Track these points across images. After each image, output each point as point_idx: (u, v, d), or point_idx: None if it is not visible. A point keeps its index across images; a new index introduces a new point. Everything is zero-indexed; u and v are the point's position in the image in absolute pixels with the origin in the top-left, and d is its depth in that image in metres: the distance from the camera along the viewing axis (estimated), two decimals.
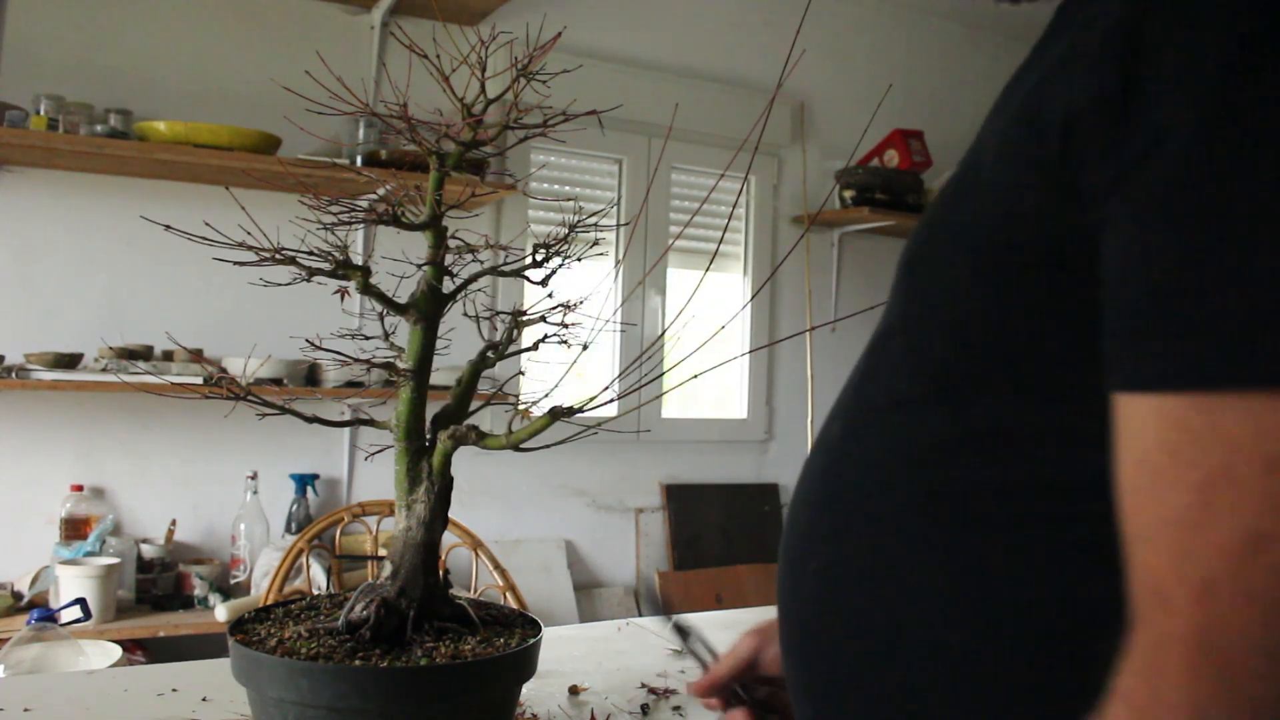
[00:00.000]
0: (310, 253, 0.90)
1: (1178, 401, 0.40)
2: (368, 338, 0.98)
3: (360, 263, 0.93)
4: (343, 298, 0.94)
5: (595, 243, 1.00)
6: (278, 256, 0.89)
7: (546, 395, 1.05)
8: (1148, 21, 0.44)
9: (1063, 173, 0.48)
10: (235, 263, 0.89)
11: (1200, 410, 0.39)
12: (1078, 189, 0.47)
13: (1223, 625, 0.37)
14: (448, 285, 0.97)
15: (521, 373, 1.04)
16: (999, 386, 0.53)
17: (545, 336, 1.02)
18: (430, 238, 0.94)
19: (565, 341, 0.99)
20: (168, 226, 0.90)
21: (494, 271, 1.00)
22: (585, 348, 1.01)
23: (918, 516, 0.56)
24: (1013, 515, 0.53)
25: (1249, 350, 0.38)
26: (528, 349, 1.03)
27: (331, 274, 0.91)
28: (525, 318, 1.01)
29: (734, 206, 3.43)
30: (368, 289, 0.92)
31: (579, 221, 1.00)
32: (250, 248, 0.89)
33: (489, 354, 1.01)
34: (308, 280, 0.90)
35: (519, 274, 1.02)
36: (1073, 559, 0.51)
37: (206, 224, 0.91)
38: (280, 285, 0.93)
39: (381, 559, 0.96)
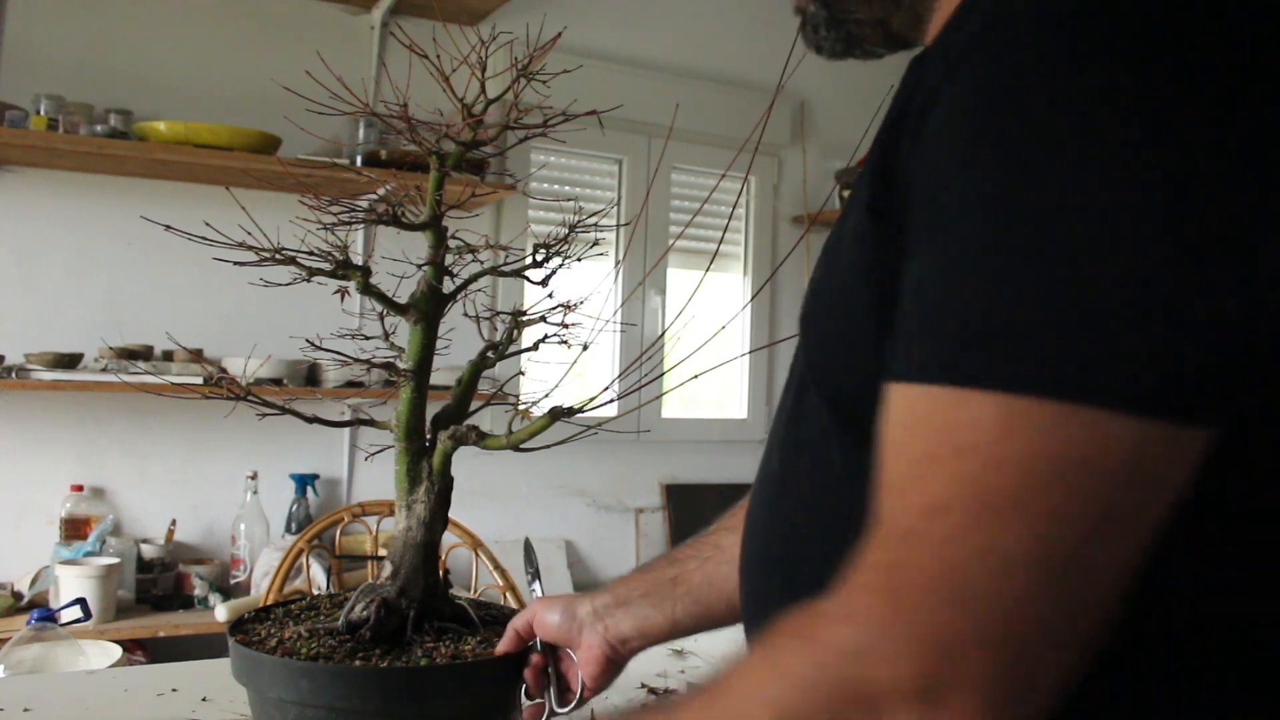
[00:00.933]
0: (310, 253, 0.90)
1: (909, 390, 0.49)
2: (368, 337, 0.98)
3: (360, 263, 0.93)
4: (343, 298, 0.94)
5: (595, 243, 1.00)
6: (278, 256, 0.89)
7: (547, 395, 1.05)
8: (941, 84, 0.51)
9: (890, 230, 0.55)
10: (236, 263, 0.89)
11: (920, 400, 0.48)
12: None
13: (909, 564, 0.46)
14: (447, 285, 0.97)
15: (521, 373, 1.04)
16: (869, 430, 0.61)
17: (545, 337, 1.02)
18: (430, 237, 0.94)
19: (565, 341, 0.99)
20: (168, 227, 0.90)
21: (494, 272, 1.00)
22: (585, 348, 1.01)
23: (851, 530, 0.61)
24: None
25: (953, 355, 0.47)
26: (528, 349, 1.03)
27: (331, 274, 0.91)
28: (525, 318, 1.01)
29: (734, 206, 3.43)
30: (368, 289, 0.92)
31: (579, 222, 1.00)
32: (250, 248, 0.89)
33: (489, 354, 1.01)
34: (308, 280, 0.90)
35: (519, 274, 1.02)
36: None
37: (207, 224, 0.91)
38: (280, 285, 0.93)
39: (381, 559, 0.96)
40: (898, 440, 0.49)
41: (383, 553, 0.98)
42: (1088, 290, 0.44)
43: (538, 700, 0.96)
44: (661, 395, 3.23)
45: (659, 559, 0.99)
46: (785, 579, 0.68)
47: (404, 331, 0.98)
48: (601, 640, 0.93)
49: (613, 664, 0.94)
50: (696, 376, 1.01)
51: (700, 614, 0.94)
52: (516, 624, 0.95)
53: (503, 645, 0.94)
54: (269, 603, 1.70)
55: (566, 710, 0.96)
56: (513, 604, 1.77)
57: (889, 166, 0.56)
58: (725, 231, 3.45)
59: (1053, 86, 0.47)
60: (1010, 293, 0.45)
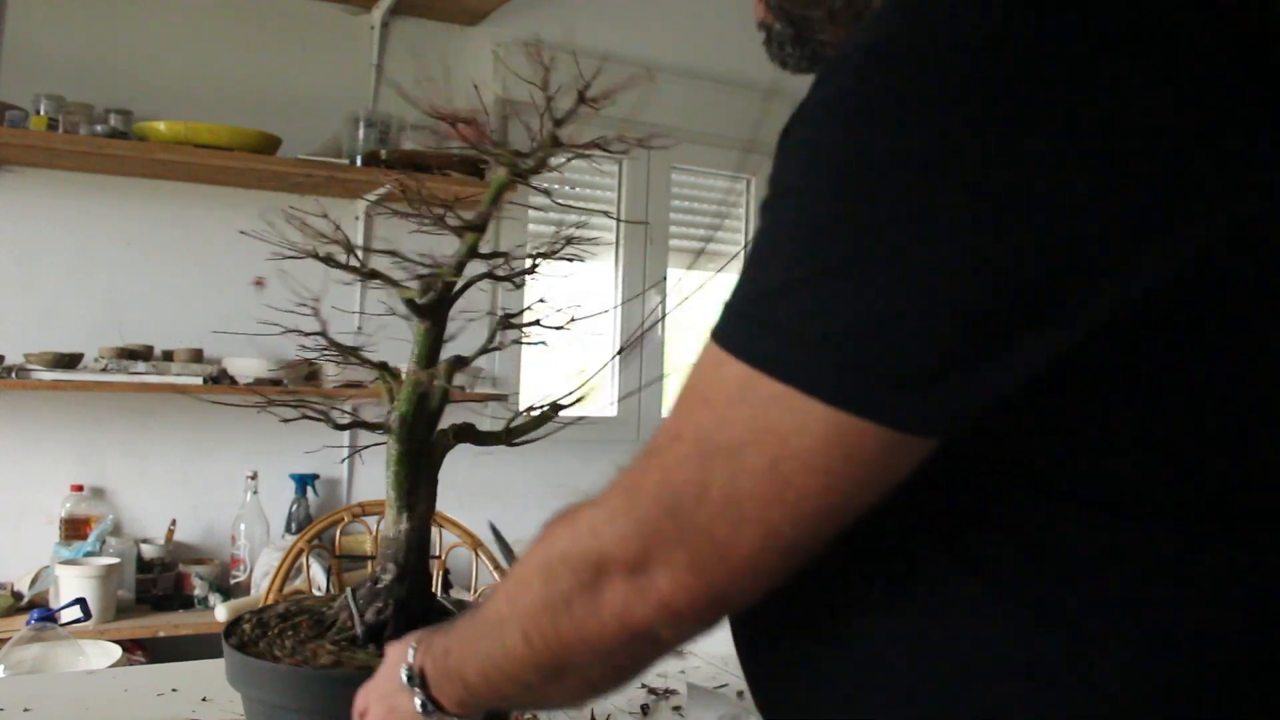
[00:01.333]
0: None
1: (709, 348, 0.57)
2: (369, 335, 0.98)
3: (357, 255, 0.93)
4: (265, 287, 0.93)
5: (581, 259, 1.02)
6: (362, 267, 0.89)
7: (537, 407, 1.05)
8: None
9: None
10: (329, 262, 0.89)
11: (704, 351, 0.58)
12: None
13: (647, 472, 0.57)
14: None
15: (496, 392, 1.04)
16: None
17: (519, 339, 1.00)
18: (470, 240, 0.94)
19: (544, 342, 0.99)
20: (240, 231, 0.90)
21: (491, 276, 0.99)
22: (547, 339, 1.01)
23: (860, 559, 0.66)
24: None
25: (724, 321, 0.57)
26: (493, 348, 1.02)
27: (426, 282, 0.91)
28: (512, 320, 1.00)
29: (731, 202, 3.43)
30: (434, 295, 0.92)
31: (572, 233, 0.99)
32: (318, 257, 0.88)
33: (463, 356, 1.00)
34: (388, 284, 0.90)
35: (512, 279, 1.01)
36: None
37: (269, 223, 0.91)
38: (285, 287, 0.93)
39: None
40: (685, 377, 0.59)
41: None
42: (819, 293, 0.52)
43: None
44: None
45: None
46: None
47: (396, 329, 0.98)
48: None
49: None
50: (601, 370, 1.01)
51: None
52: None
53: None
54: (269, 603, 1.70)
55: None
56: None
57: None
58: (717, 230, 3.45)
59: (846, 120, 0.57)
60: (773, 282, 0.55)
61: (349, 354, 0.95)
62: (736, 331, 0.56)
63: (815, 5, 0.75)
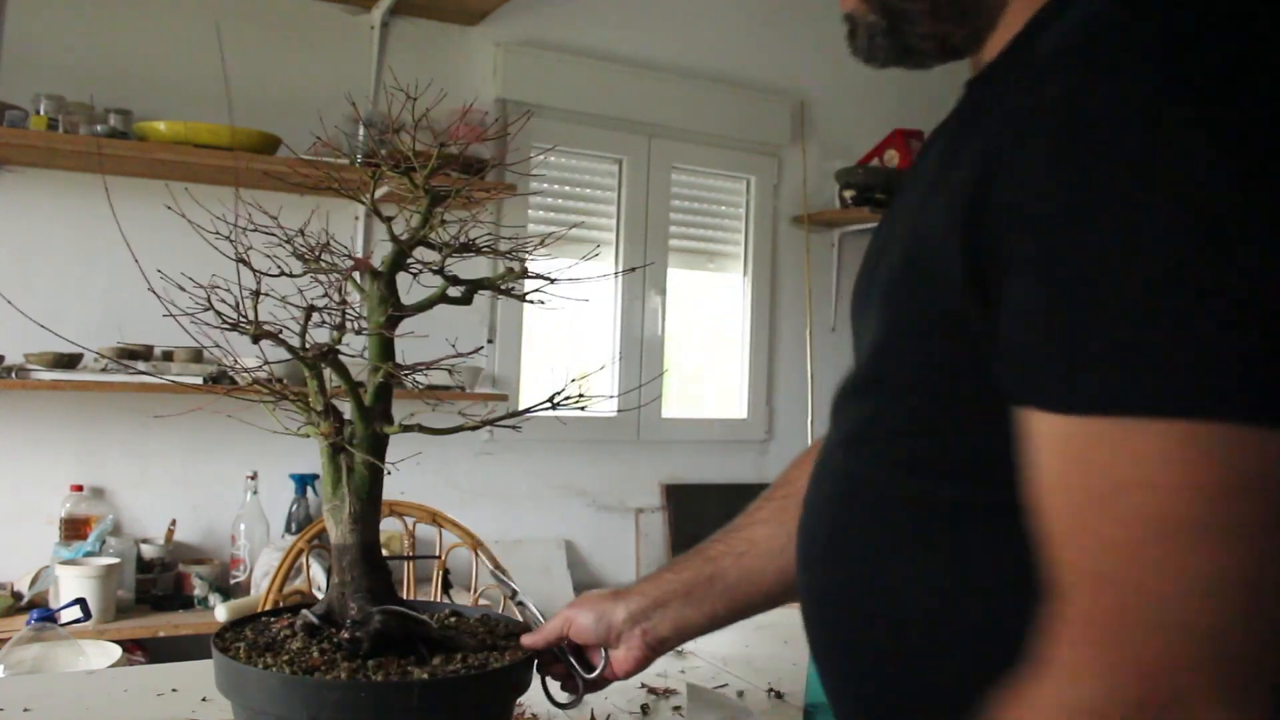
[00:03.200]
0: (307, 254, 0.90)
1: (1060, 423, 0.51)
2: (359, 332, 0.96)
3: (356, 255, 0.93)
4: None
5: (551, 280, 0.98)
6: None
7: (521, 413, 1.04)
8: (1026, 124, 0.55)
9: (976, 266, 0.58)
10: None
11: (1080, 432, 0.50)
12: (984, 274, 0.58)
13: (1112, 607, 0.48)
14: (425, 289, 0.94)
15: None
16: (963, 424, 0.65)
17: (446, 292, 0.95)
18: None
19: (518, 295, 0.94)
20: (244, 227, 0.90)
21: (451, 282, 0.95)
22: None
23: (919, 525, 0.68)
24: (970, 531, 0.65)
25: (1111, 386, 0.49)
26: (428, 305, 0.96)
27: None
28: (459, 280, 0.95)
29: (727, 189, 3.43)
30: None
31: (531, 250, 0.95)
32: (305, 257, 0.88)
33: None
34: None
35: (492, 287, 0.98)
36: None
37: (288, 229, 0.91)
38: (279, 284, 0.92)
39: (408, 558, 0.95)
40: (1062, 476, 0.51)
41: (386, 552, 0.96)
42: (1231, 314, 0.47)
43: (566, 678, 1.00)
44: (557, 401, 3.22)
45: (691, 557, 1.01)
46: (852, 580, 0.73)
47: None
48: (641, 643, 0.97)
49: (648, 661, 0.98)
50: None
51: (738, 609, 0.98)
52: (549, 631, 0.97)
53: (534, 639, 0.96)
54: (269, 603, 1.70)
55: (588, 689, 1.00)
56: (512, 605, 1.77)
57: (966, 192, 0.58)
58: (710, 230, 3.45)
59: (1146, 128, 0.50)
60: (1163, 321, 0.48)
61: (268, 337, 0.92)
62: (1137, 391, 0.48)
63: None
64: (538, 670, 0.99)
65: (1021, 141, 0.55)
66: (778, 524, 0.96)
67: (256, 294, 0.91)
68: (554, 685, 1.01)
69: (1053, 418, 0.51)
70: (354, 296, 0.93)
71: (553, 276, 0.96)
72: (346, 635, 0.87)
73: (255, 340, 0.90)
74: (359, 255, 0.92)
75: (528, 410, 0.97)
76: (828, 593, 0.75)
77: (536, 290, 0.95)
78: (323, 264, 0.91)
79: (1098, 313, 0.49)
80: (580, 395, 0.95)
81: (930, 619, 0.66)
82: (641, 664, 0.98)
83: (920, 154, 0.79)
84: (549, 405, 0.98)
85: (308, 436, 0.93)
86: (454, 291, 0.94)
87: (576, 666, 0.99)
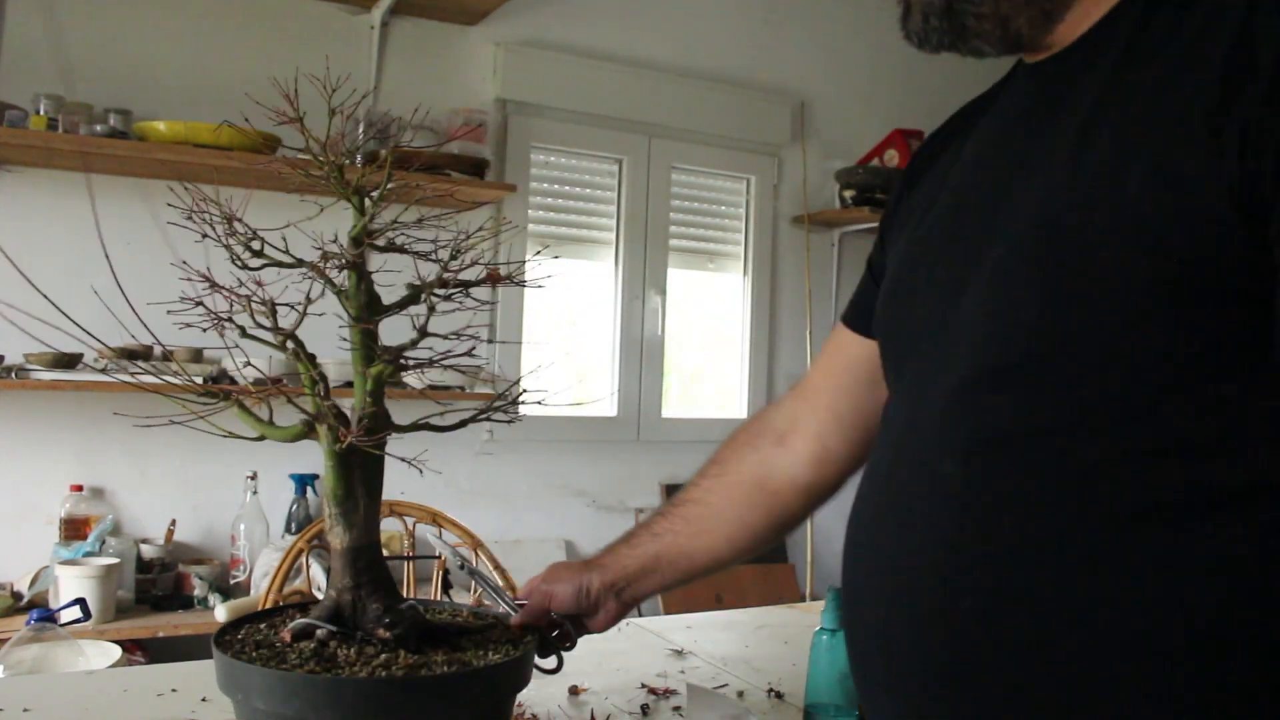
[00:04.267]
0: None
1: None
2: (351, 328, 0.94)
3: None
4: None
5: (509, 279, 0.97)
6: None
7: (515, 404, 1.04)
8: None
9: (1250, 194, 0.54)
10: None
11: None
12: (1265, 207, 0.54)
13: None
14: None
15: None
16: (1172, 404, 0.58)
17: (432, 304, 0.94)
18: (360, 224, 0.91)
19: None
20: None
21: (422, 290, 0.94)
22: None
23: (1093, 538, 0.61)
24: (1197, 526, 0.58)
25: None
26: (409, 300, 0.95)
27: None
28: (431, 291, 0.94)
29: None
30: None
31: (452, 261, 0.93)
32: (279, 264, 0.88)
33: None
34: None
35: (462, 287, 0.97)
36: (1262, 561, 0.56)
37: (195, 216, 0.91)
38: (274, 284, 0.92)
39: (409, 558, 0.95)
40: None
41: (386, 552, 0.96)
42: None
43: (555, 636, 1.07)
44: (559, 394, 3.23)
45: (640, 533, 1.10)
46: (988, 608, 0.65)
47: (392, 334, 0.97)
48: (616, 604, 1.07)
49: (621, 618, 1.09)
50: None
51: (678, 580, 1.09)
52: (535, 609, 1.04)
53: (524, 618, 1.02)
54: (268, 603, 1.70)
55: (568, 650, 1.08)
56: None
57: (1234, 127, 0.54)
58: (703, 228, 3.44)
59: None
60: None
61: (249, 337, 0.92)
62: None
63: None
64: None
65: None
66: (705, 505, 1.08)
67: (249, 298, 0.90)
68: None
69: None
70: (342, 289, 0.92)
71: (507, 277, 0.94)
72: (387, 633, 0.87)
73: (243, 335, 0.89)
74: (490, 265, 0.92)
75: (521, 398, 0.97)
76: (965, 630, 0.66)
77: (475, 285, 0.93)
78: (317, 265, 0.91)
79: None
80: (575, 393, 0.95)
81: (1156, 634, 0.58)
82: (616, 621, 1.08)
83: (981, 160, 0.75)
84: (540, 397, 0.97)
85: (313, 439, 0.92)
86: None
87: (562, 631, 1.06)
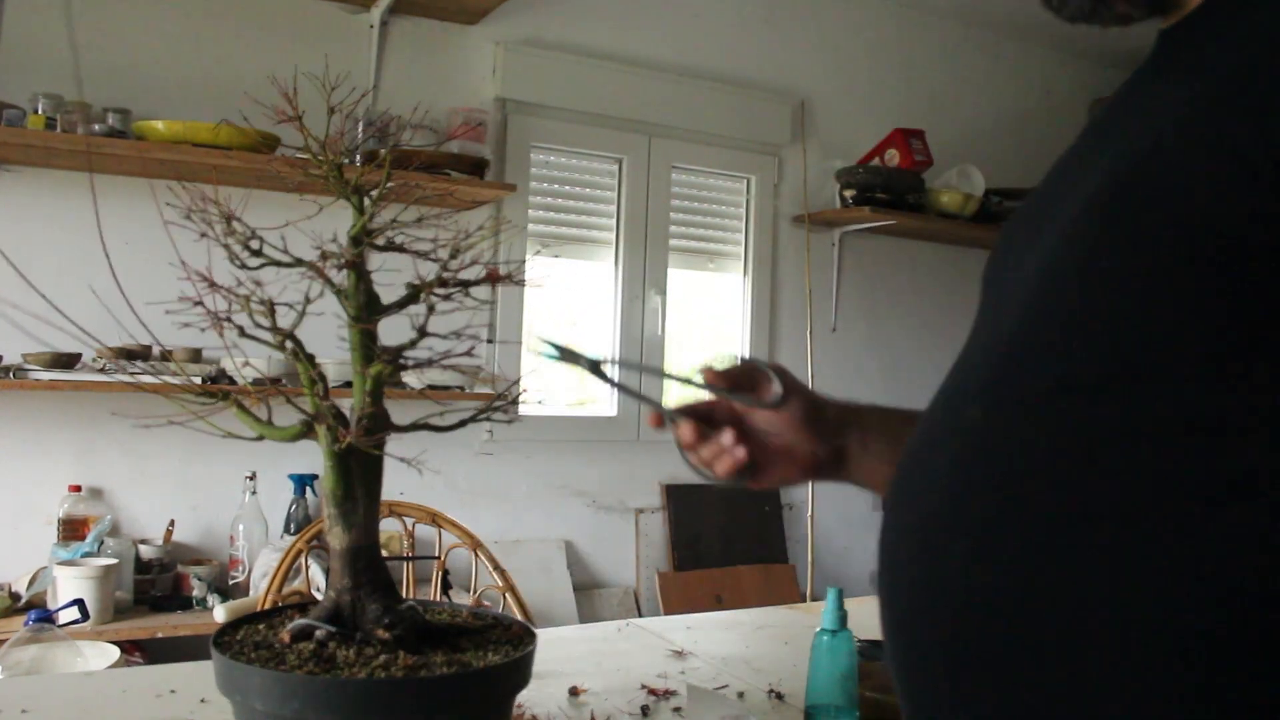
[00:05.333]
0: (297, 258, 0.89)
1: None
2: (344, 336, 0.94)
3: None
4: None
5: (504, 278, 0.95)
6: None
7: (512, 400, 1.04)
8: None
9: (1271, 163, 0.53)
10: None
11: None
12: None
13: None
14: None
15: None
16: (1190, 374, 0.56)
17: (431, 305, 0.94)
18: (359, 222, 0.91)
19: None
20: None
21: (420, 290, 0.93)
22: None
23: (1101, 505, 0.58)
24: (1205, 503, 0.55)
25: None
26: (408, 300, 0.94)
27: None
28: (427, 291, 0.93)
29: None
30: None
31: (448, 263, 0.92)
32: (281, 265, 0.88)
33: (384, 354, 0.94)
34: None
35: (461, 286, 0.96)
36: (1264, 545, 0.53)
37: (193, 217, 0.91)
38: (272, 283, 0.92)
39: (400, 559, 0.95)
40: None
41: (385, 553, 0.96)
42: None
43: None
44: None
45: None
46: (978, 541, 0.64)
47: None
48: (831, 448, 0.96)
49: (803, 477, 0.97)
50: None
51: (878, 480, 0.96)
52: (741, 372, 0.95)
53: (716, 378, 0.94)
54: (267, 604, 1.70)
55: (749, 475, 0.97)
56: (513, 605, 1.77)
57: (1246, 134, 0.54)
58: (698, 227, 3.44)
59: None
60: None
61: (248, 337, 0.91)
62: None
63: None
64: (681, 437, 0.96)
65: None
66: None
67: (248, 298, 0.90)
68: (693, 453, 0.98)
69: None
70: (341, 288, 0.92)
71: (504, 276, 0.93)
72: (386, 634, 0.87)
73: (242, 335, 0.89)
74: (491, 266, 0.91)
75: (519, 394, 0.96)
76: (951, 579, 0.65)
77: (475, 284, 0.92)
78: (316, 264, 0.91)
79: None
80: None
81: (1107, 628, 0.56)
82: (807, 472, 0.95)
83: (1098, 122, 0.72)
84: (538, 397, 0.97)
85: (314, 440, 0.92)
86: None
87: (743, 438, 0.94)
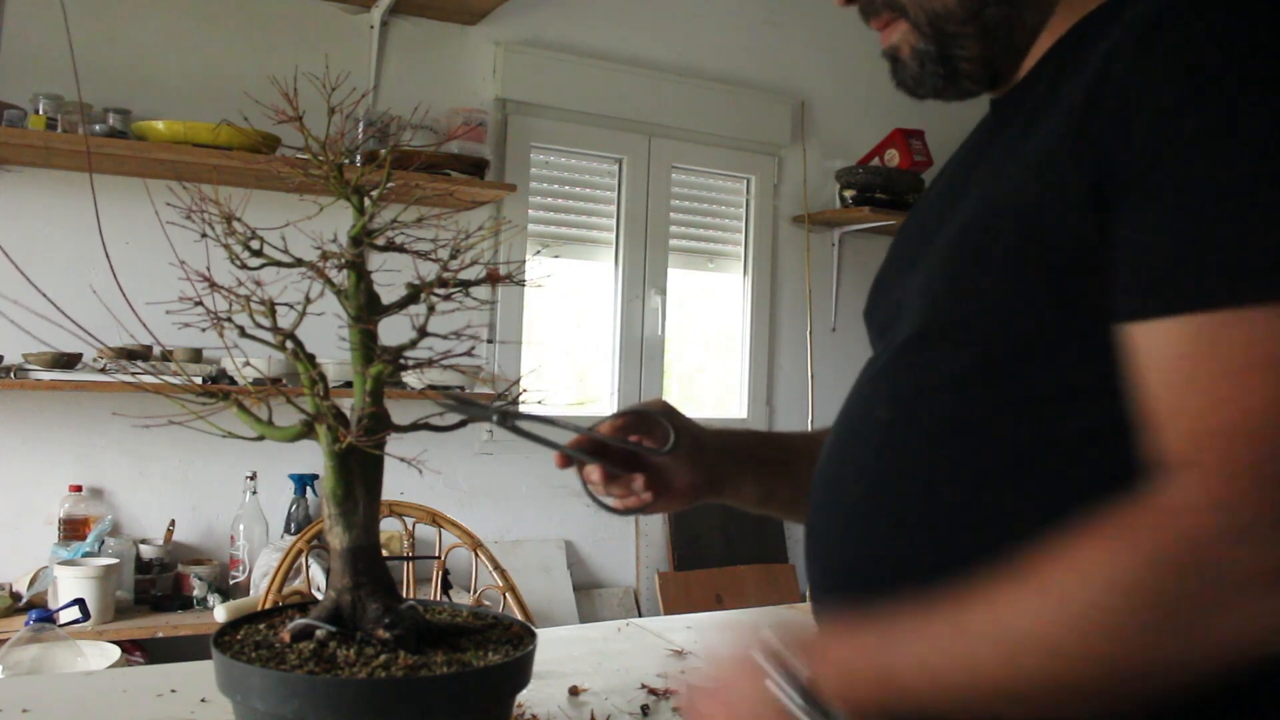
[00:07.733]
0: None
1: (1170, 325, 0.57)
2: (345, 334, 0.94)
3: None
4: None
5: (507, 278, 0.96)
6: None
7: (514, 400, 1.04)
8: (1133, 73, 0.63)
9: (1090, 188, 0.65)
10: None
11: (1190, 329, 0.57)
12: (1101, 197, 0.64)
13: (1263, 460, 0.54)
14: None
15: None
16: (1046, 359, 0.69)
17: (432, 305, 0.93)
18: (359, 222, 0.91)
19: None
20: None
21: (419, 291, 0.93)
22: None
23: (990, 471, 0.72)
24: (1066, 457, 0.69)
25: (1228, 280, 0.55)
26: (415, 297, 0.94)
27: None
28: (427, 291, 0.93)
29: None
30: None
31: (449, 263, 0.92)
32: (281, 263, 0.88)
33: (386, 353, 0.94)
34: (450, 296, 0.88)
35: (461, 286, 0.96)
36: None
37: (194, 218, 0.91)
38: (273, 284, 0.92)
39: (400, 559, 0.95)
40: (1175, 371, 0.57)
41: (385, 552, 0.96)
42: None
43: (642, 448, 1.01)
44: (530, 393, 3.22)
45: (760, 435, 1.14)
46: (899, 522, 0.75)
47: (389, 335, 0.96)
48: (707, 476, 1.03)
49: (692, 498, 1.04)
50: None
51: (789, 503, 1.06)
52: (645, 403, 1.00)
53: (609, 427, 0.98)
54: (268, 603, 1.70)
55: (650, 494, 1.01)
56: (512, 605, 1.77)
57: (1085, 134, 0.65)
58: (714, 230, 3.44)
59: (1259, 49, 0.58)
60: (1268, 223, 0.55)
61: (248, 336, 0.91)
62: (1252, 281, 0.55)
63: (969, 22, 0.78)
64: (580, 471, 1.00)
65: (1135, 59, 0.62)
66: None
67: (248, 298, 0.90)
68: (598, 489, 1.02)
69: (1152, 324, 0.58)
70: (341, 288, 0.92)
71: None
72: (386, 634, 0.87)
73: (242, 335, 0.89)
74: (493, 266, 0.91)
75: (523, 399, 0.97)
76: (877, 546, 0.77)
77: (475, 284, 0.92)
78: (316, 264, 0.91)
79: (1223, 213, 0.56)
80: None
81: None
82: (687, 498, 1.02)
83: (950, 173, 0.86)
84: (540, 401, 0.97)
85: (314, 439, 0.92)
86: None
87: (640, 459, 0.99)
